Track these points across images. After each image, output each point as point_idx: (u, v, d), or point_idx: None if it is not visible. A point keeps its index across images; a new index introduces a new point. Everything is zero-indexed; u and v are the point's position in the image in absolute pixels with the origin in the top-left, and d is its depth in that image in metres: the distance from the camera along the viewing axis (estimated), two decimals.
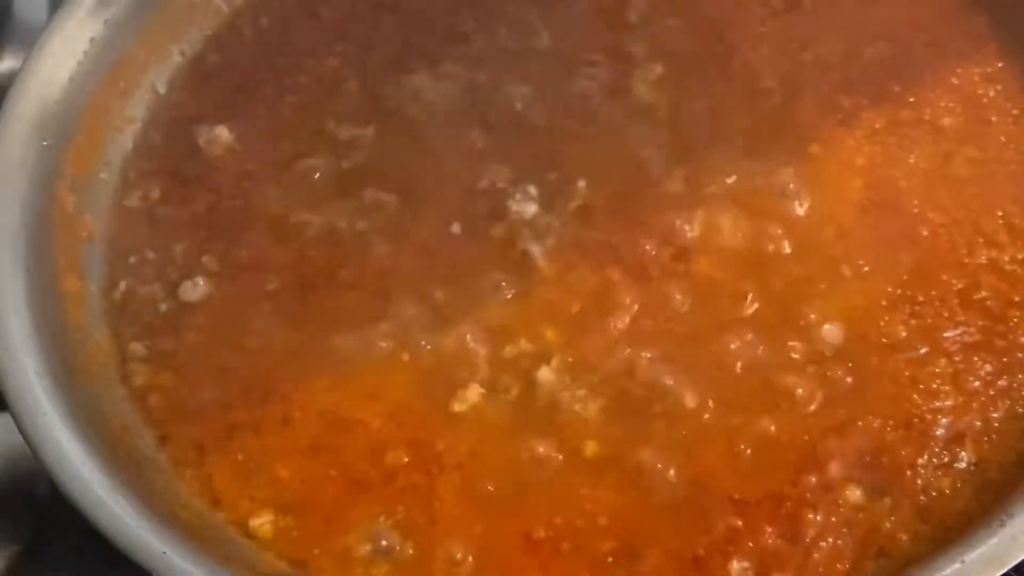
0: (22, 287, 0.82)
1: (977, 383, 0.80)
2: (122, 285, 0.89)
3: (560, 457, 0.79)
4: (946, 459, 0.77)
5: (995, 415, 0.79)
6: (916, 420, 0.79)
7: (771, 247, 0.85)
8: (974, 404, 0.79)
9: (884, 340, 0.81)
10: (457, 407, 0.81)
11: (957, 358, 0.81)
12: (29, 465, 0.77)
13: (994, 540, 0.70)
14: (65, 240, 0.88)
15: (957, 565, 0.69)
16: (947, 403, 0.79)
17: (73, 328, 0.85)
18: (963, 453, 0.78)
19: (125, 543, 0.72)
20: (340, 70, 0.97)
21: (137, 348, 0.86)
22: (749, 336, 0.82)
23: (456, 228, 0.88)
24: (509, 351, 0.83)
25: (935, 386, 0.80)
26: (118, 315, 0.88)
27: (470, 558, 0.76)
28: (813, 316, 0.82)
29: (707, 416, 0.80)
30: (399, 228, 0.89)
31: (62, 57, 0.91)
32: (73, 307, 0.86)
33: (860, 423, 0.79)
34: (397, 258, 0.87)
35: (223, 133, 0.95)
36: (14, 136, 0.87)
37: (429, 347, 0.83)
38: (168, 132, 0.97)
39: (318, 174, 0.92)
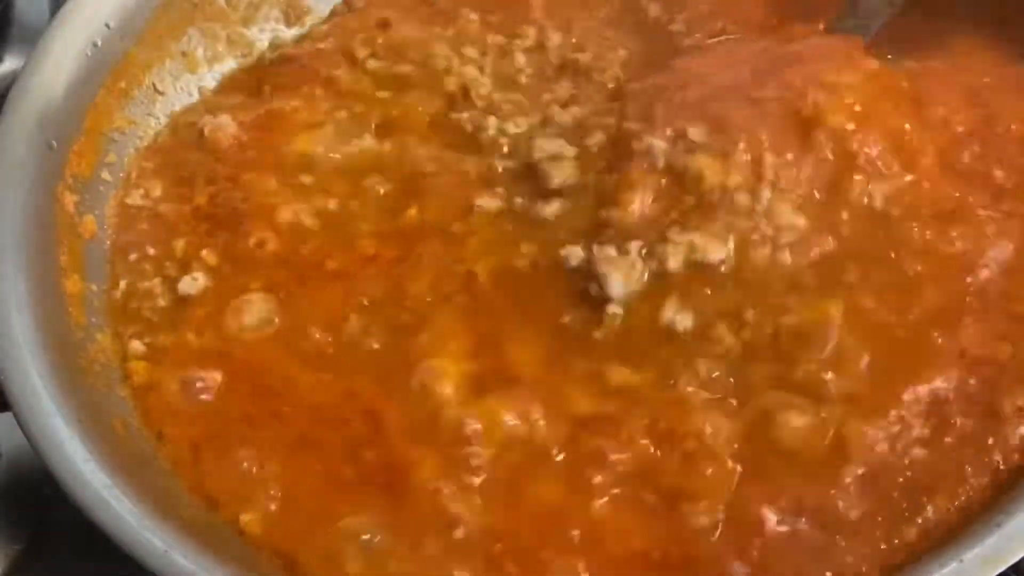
0: (24, 287, 0.82)
1: (975, 383, 0.80)
2: (123, 284, 0.89)
3: (558, 453, 0.78)
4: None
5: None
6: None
7: (769, 246, 0.86)
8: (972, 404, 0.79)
9: (883, 339, 0.81)
10: (450, 403, 0.80)
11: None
12: (30, 464, 0.77)
13: (992, 539, 0.69)
14: (67, 240, 0.88)
15: (956, 564, 0.69)
16: (945, 403, 0.79)
17: (75, 328, 0.85)
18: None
19: (126, 542, 0.72)
20: (339, 71, 0.98)
21: (137, 346, 0.86)
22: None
23: (455, 228, 0.88)
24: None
25: (933, 385, 0.80)
26: (119, 314, 0.88)
27: (461, 553, 0.75)
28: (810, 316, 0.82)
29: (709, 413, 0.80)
30: (399, 227, 0.89)
31: (64, 58, 0.91)
32: (75, 307, 0.86)
33: (859, 422, 0.79)
34: (397, 256, 0.87)
35: (226, 122, 0.95)
36: (16, 136, 0.87)
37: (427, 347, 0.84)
38: (169, 132, 0.97)
39: (319, 168, 0.92)
